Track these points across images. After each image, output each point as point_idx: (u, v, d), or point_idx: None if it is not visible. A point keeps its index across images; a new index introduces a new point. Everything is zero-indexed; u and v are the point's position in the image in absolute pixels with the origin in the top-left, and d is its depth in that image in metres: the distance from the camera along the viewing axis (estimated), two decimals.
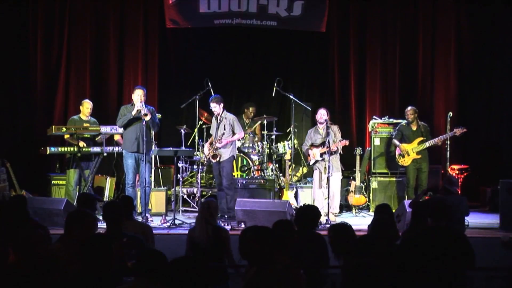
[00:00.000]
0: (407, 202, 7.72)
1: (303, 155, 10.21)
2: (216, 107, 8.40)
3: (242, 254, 3.79)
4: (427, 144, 8.79)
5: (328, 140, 8.27)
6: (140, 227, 5.55)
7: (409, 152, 8.86)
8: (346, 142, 8.54)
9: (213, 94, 9.43)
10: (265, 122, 10.07)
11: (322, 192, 8.46)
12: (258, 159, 9.80)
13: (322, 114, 8.60)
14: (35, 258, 3.56)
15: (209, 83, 9.71)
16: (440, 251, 4.53)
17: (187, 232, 7.48)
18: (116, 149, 8.83)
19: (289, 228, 4.55)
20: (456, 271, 4.52)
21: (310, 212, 5.12)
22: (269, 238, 3.72)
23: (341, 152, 8.70)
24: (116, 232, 4.69)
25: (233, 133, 8.41)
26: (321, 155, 8.38)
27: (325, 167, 8.32)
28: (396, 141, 9.06)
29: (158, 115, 8.89)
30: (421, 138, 8.85)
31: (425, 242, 4.62)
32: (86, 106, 9.07)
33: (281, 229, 4.43)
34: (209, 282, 2.99)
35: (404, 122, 9.12)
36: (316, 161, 8.52)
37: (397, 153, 9.05)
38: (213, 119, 8.62)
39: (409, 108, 9.06)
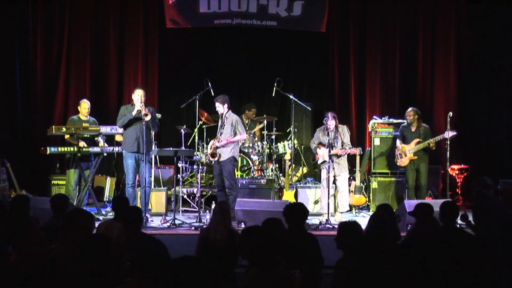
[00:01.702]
0: (407, 202, 7.72)
1: (301, 148, 10.27)
2: (219, 107, 8.39)
3: (243, 254, 3.77)
4: (421, 145, 8.78)
5: (330, 142, 8.26)
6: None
7: (406, 153, 8.86)
8: (356, 151, 8.50)
9: (213, 94, 9.44)
10: (265, 122, 10.07)
11: (328, 191, 8.43)
12: (258, 159, 9.80)
13: (330, 125, 8.45)
14: (34, 258, 3.55)
15: (209, 83, 9.71)
16: (453, 253, 4.55)
17: (187, 232, 7.60)
18: (116, 149, 8.82)
19: (279, 225, 4.54)
20: (467, 272, 4.54)
21: (297, 210, 5.13)
22: (271, 239, 3.71)
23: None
24: (135, 236, 4.72)
25: (235, 134, 8.40)
26: (329, 156, 8.37)
27: (333, 168, 8.33)
28: (398, 142, 9.06)
29: (158, 115, 8.89)
30: (418, 140, 8.84)
31: (437, 243, 4.64)
32: (84, 106, 9.06)
33: (271, 227, 4.42)
34: (209, 282, 2.98)
35: (405, 123, 9.11)
36: (324, 161, 8.52)
37: (396, 153, 9.05)
38: (219, 118, 8.63)
39: (410, 109, 9.03)
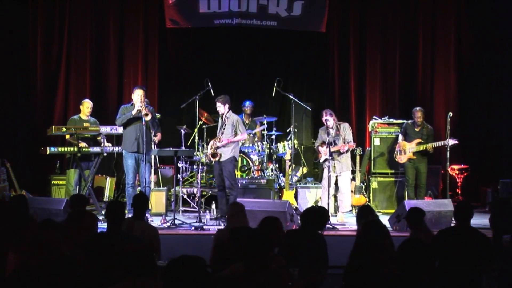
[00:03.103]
0: (407, 202, 7.72)
1: (301, 148, 10.28)
2: (220, 107, 8.40)
3: (233, 254, 3.76)
4: (421, 147, 8.80)
5: (329, 141, 8.27)
6: (147, 228, 5.53)
7: (406, 151, 8.89)
8: (353, 145, 8.52)
9: (213, 94, 9.44)
10: (265, 122, 10.06)
11: (328, 191, 8.43)
12: (258, 159, 9.80)
13: (324, 120, 8.49)
14: (52, 260, 3.52)
15: (209, 83, 9.71)
16: (464, 251, 4.59)
17: (187, 232, 7.59)
18: (116, 149, 8.82)
19: (276, 225, 4.53)
20: (477, 271, 4.57)
21: (318, 215, 5.11)
22: (261, 239, 3.70)
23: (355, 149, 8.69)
24: (116, 232, 4.68)
25: (236, 134, 8.40)
26: (331, 154, 8.37)
27: (333, 166, 8.33)
28: (400, 137, 9.09)
29: (158, 115, 8.88)
30: (420, 140, 8.85)
31: (449, 242, 4.68)
32: (86, 106, 9.06)
33: (269, 226, 4.42)
34: (208, 282, 2.97)
35: (410, 121, 9.12)
36: (326, 159, 8.51)
37: (396, 149, 9.07)
38: (219, 118, 8.63)
39: (418, 109, 8.98)
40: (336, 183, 8.56)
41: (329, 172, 8.27)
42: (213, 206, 8.78)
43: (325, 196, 8.49)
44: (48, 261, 3.44)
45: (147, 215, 7.95)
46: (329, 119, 8.47)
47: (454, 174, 10.04)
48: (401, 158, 8.96)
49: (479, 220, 8.35)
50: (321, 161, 8.74)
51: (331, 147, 8.25)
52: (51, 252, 3.56)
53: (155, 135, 9.04)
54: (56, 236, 3.71)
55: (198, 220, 8.05)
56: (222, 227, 7.22)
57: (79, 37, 10.75)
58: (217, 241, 5.28)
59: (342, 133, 8.51)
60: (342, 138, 8.47)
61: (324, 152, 8.52)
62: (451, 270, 4.45)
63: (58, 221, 4.74)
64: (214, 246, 5.26)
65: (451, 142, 8.63)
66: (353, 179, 9.34)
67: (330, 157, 8.30)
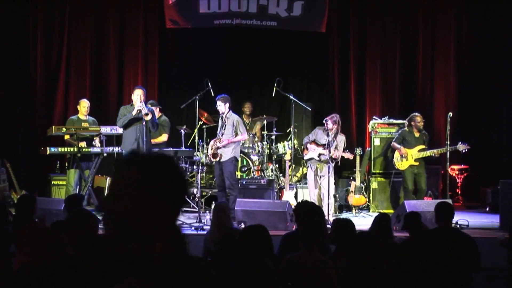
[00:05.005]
0: (407, 202, 7.72)
1: (301, 149, 10.24)
2: (220, 106, 8.39)
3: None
4: (427, 153, 8.78)
5: (329, 142, 8.25)
6: None
7: (408, 157, 8.85)
8: (351, 156, 8.48)
9: (213, 94, 9.44)
10: (265, 122, 10.06)
11: (318, 192, 8.42)
12: (258, 159, 9.80)
13: (327, 124, 8.41)
14: (56, 260, 3.51)
15: (209, 83, 9.71)
16: (446, 253, 4.57)
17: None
18: (116, 149, 8.82)
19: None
20: (461, 272, 4.55)
21: (308, 208, 5.16)
22: (258, 238, 3.71)
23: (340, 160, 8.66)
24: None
25: (236, 134, 8.39)
26: (319, 155, 8.35)
27: (316, 167, 8.33)
28: (396, 144, 9.00)
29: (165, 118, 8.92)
30: (423, 146, 8.83)
31: (432, 244, 4.66)
32: (83, 106, 9.07)
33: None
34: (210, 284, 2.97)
35: (406, 128, 9.09)
36: (311, 158, 8.48)
37: (396, 155, 9.00)
38: (219, 118, 8.62)
39: (418, 114, 8.94)
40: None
41: (328, 172, 8.23)
42: (213, 206, 8.77)
43: (313, 196, 8.46)
44: (52, 260, 3.45)
45: None
46: (329, 123, 8.40)
47: (454, 174, 10.03)
48: (402, 165, 8.88)
49: (479, 220, 8.39)
50: (305, 158, 8.71)
51: (330, 150, 8.25)
52: (56, 252, 3.56)
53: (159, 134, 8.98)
54: (62, 236, 3.71)
55: (198, 220, 8.04)
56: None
57: (79, 37, 10.75)
58: (204, 242, 5.37)
59: (338, 142, 8.45)
60: (334, 146, 8.41)
61: (312, 149, 8.49)
62: (439, 272, 4.45)
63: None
64: (203, 247, 5.34)
65: (462, 147, 8.64)
66: (353, 179, 9.34)
67: (318, 159, 8.30)
